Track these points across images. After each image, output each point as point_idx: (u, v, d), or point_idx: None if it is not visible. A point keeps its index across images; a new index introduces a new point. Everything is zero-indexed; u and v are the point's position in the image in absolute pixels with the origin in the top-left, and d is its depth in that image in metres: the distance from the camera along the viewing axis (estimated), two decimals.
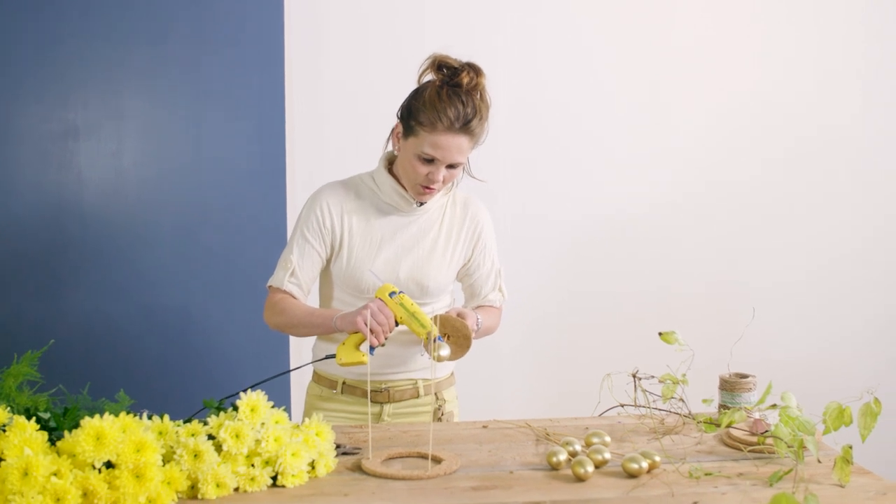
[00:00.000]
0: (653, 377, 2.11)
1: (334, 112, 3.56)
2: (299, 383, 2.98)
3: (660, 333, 2.13)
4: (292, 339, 3.38)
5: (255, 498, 1.70)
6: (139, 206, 3.34)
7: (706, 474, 1.78)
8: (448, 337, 2.19)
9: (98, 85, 3.30)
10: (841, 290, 3.95)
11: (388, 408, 2.44)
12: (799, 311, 3.93)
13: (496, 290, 2.54)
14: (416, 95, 2.28)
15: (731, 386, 2.17)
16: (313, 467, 1.81)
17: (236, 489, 1.72)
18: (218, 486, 1.68)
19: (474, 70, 2.27)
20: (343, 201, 2.40)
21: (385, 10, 3.59)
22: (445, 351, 2.10)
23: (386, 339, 2.15)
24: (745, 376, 2.18)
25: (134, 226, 3.32)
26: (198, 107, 3.34)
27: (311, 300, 2.47)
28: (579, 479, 1.76)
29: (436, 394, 2.49)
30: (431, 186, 2.29)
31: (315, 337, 2.51)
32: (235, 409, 1.78)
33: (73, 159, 3.29)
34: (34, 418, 1.65)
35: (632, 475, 1.78)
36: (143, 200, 3.34)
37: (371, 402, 2.40)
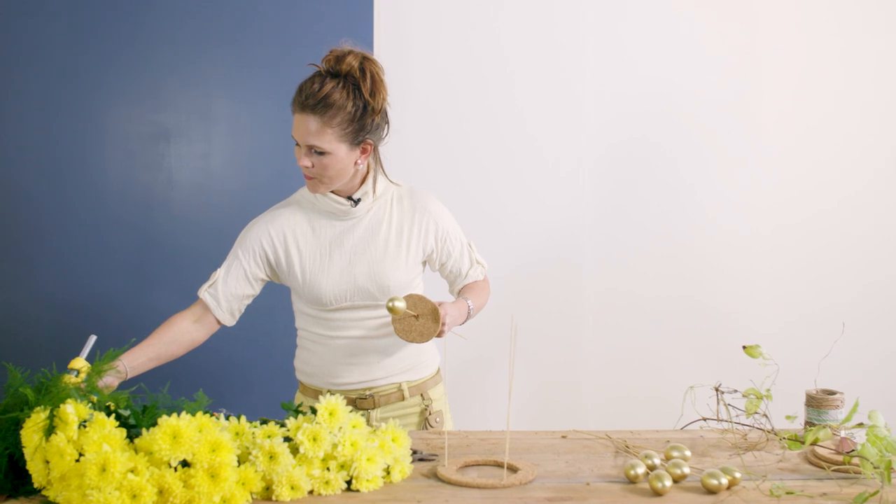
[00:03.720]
0: (736, 391, 2.07)
1: (418, 116, 3.55)
2: None
3: (744, 347, 2.08)
4: None
5: (329, 501, 1.71)
6: (227, 207, 3.39)
7: (787, 493, 1.74)
8: (417, 317, 2.20)
9: (188, 87, 3.36)
10: None
11: (375, 413, 2.44)
12: (887, 326, 3.81)
13: (473, 264, 2.52)
14: None
15: (817, 402, 2.12)
16: (389, 473, 1.81)
17: (311, 492, 1.73)
18: (292, 488, 1.69)
19: (337, 54, 2.26)
20: (283, 225, 2.40)
21: (472, 24, 3.58)
22: (401, 303, 2.14)
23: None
24: (832, 393, 2.13)
25: (221, 227, 3.36)
26: (287, 109, 3.37)
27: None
28: (657, 493, 1.73)
29: (421, 394, 2.49)
30: (305, 174, 2.30)
31: (297, 346, 2.55)
32: (314, 412, 1.79)
33: (162, 161, 3.35)
34: (114, 415, 1.68)
35: (711, 491, 1.75)
36: (230, 202, 3.39)
37: (357, 409, 2.42)
